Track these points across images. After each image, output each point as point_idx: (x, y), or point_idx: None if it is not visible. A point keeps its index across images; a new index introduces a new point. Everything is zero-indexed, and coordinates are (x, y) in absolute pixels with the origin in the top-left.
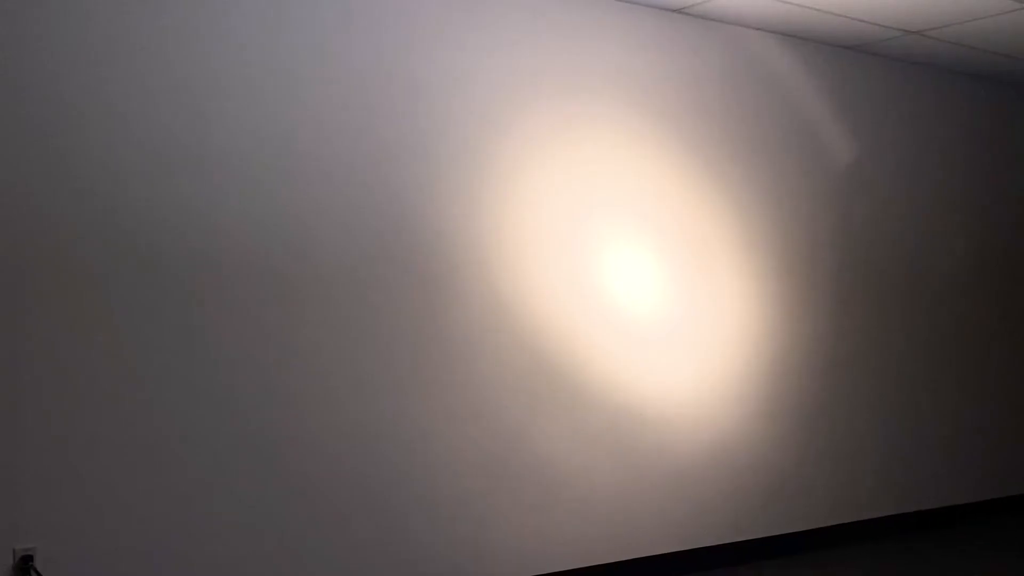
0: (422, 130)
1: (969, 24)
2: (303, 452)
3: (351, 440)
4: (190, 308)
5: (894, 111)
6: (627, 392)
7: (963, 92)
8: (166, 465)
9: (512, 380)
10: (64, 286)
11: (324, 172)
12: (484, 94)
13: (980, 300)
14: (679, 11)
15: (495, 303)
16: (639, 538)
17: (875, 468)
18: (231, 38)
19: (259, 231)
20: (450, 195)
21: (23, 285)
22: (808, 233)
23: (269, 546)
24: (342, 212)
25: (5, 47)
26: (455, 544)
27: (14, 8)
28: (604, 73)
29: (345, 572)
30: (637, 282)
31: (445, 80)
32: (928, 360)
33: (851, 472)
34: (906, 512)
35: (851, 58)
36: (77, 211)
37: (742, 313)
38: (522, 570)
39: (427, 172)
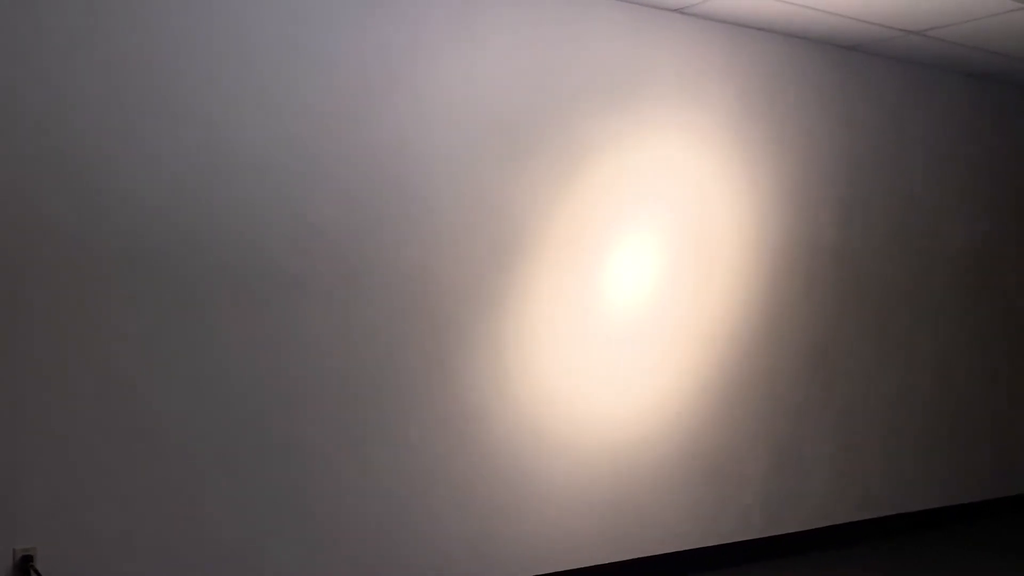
0: (425, 133)
1: (970, 24)
2: (305, 452)
3: (353, 440)
4: (191, 309)
5: (894, 111)
6: (623, 391)
7: (964, 92)
8: (167, 465)
9: (508, 381)
10: (65, 286)
11: (329, 174)
12: (485, 96)
13: (980, 300)
14: (678, 11)
15: (499, 305)
16: (636, 538)
17: (875, 468)
18: (237, 40)
19: (264, 232)
20: (453, 198)
21: (25, 285)
22: (807, 233)
23: (270, 546)
24: (347, 214)
25: (7, 48)
26: (454, 543)
27: (16, 8)
28: (603, 73)
29: (346, 571)
30: (633, 281)
31: (446, 83)
32: (927, 360)
33: (850, 472)
34: (906, 512)
35: (852, 58)
36: (78, 211)
37: (741, 313)
38: (521, 570)
39: (430, 175)
